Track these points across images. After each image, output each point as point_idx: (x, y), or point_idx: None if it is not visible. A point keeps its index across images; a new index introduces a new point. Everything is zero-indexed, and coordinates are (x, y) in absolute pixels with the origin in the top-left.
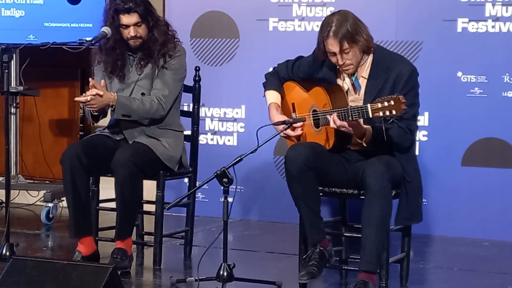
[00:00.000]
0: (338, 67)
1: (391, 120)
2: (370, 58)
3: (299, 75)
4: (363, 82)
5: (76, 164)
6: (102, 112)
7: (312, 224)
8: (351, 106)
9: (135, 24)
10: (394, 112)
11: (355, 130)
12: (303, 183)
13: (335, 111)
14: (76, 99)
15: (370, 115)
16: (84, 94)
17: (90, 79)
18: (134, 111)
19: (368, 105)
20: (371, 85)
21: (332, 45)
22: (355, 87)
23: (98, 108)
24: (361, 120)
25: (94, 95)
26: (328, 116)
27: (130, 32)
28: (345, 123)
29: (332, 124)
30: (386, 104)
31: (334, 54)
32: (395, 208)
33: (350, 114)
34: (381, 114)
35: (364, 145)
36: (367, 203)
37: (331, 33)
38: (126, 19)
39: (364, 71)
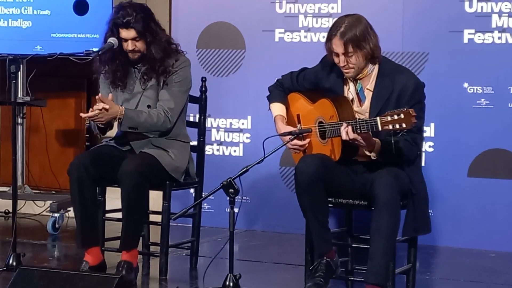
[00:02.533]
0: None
1: (400, 134)
2: (375, 70)
3: (304, 86)
4: (368, 95)
5: (83, 175)
6: (108, 125)
7: (320, 235)
8: (359, 119)
9: (133, 39)
10: (404, 125)
11: (366, 142)
12: (312, 194)
13: (343, 123)
14: (83, 115)
15: (379, 128)
16: (91, 109)
17: (99, 95)
18: (141, 124)
19: (378, 118)
20: (377, 98)
21: (337, 46)
22: (360, 97)
23: (105, 122)
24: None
25: (100, 110)
26: (342, 128)
27: (128, 46)
28: (358, 137)
29: (344, 136)
30: (396, 117)
31: (338, 55)
32: (403, 219)
33: (358, 127)
34: (390, 127)
35: (373, 158)
36: (376, 215)
37: (338, 34)
38: (124, 33)
39: (370, 83)
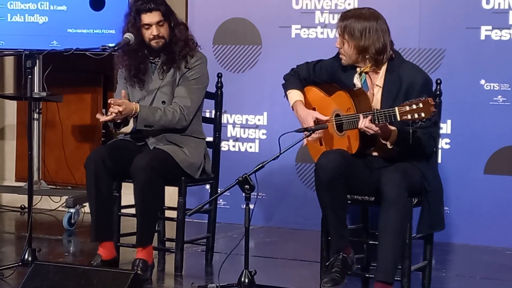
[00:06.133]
0: (357, 69)
1: (419, 124)
2: (384, 66)
3: (322, 77)
4: (378, 92)
5: (100, 168)
6: (124, 121)
7: (338, 231)
8: (377, 110)
9: (157, 23)
10: (423, 114)
11: (382, 130)
12: (332, 190)
13: (361, 114)
14: (101, 119)
15: (398, 118)
16: (109, 113)
17: (112, 100)
18: (156, 122)
19: (396, 108)
20: (387, 94)
21: (337, 26)
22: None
23: (121, 119)
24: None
25: (116, 113)
26: (361, 118)
27: (153, 31)
28: (374, 126)
29: (361, 125)
30: (414, 106)
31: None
32: (417, 216)
33: (376, 118)
34: (409, 117)
35: (389, 146)
36: (383, 212)
37: (341, 14)
38: (148, 18)
39: (379, 80)
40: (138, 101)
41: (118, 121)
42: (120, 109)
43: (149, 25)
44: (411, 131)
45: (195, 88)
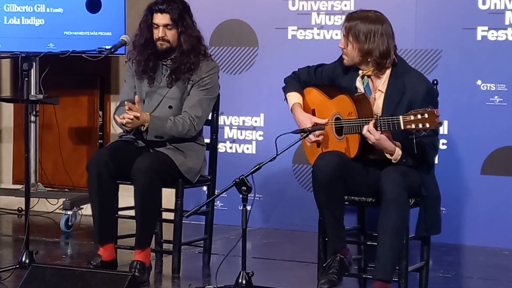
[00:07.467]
0: (359, 72)
1: (422, 134)
2: (388, 71)
3: (322, 81)
4: (380, 97)
5: (104, 172)
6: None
7: (335, 232)
8: (380, 116)
9: (165, 26)
10: (427, 125)
11: (383, 141)
12: (330, 192)
13: (363, 120)
14: (117, 119)
15: (402, 127)
16: (122, 117)
17: (129, 104)
18: (166, 132)
19: (400, 117)
20: (389, 99)
21: (343, 26)
22: (366, 93)
23: (132, 128)
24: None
25: (132, 119)
26: (366, 126)
27: (159, 32)
28: (377, 134)
29: (365, 132)
30: (419, 116)
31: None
32: (415, 217)
33: (379, 124)
34: (413, 126)
35: (394, 161)
36: (383, 212)
37: (347, 15)
38: (158, 18)
39: (381, 85)
40: (145, 97)
41: (128, 129)
42: (137, 115)
43: (158, 25)
44: (415, 141)
45: (206, 98)
